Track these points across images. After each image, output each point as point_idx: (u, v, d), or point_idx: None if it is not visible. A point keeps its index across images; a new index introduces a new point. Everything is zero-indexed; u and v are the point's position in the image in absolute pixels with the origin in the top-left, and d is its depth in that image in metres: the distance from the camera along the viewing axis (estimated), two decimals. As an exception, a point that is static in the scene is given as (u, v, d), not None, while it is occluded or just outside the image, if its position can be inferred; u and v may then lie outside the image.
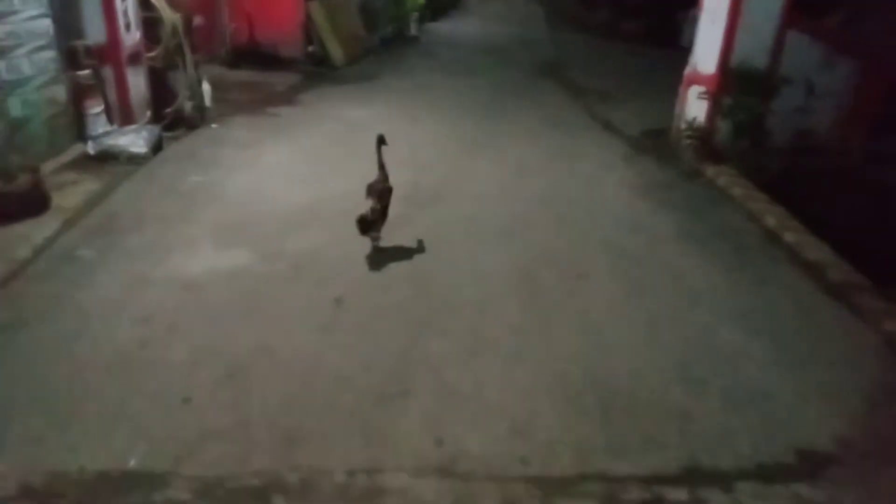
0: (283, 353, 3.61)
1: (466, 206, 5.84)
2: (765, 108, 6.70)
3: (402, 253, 4.84)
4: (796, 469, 3.03)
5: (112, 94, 6.73)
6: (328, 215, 5.42)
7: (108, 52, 6.61)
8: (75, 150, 6.22)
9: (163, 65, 7.46)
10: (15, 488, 2.66)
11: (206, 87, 8.07)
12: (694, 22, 7.88)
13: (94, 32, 6.51)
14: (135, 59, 7.03)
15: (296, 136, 7.62)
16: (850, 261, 4.92)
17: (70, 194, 5.34)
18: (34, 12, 5.77)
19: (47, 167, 5.66)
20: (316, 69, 11.31)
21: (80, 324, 3.75)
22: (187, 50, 7.61)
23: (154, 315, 3.88)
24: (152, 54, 7.39)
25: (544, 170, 6.94)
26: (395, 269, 4.65)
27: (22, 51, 5.64)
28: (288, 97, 9.54)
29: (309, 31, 11.62)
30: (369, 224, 4.56)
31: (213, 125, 7.82)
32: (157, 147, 6.65)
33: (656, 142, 7.95)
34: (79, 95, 6.33)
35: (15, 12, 5.55)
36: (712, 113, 7.01)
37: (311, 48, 11.68)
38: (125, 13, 6.78)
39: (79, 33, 6.42)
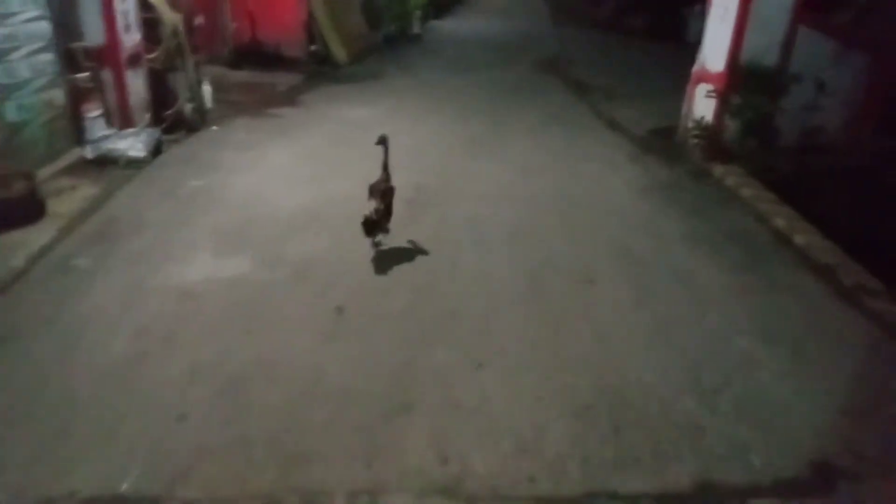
0: (282, 366, 3.52)
1: (470, 207, 5.74)
2: (774, 106, 6.58)
3: (404, 257, 4.74)
4: (812, 484, 2.93)
5: (111, 97, 6.66)
6: (330, 218, 5.33)
7: (108, 54, 6.53)
8: (73, 154, 6.15)
9: (163, 66, 7.37)
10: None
11: (206, 89, 8.00)
12: (699, 17, 7.76)
13: (93, 34, 6.44)
14: (134, 60, 6.94)
15: (297, 138, 7.53)
16: (862, 263, 4.81)
17: (67, 200, 5.26)
18: (32, 14, 5.70)
19: (44, 172, 5.60)
20: (319, 68, 11.23)
21: (74, 337, 3.67)
22: (188, 51, 7.53)
23: (150, 326, 3.79)
24: (152, 56, 7.29)
25: (549, 170, 6.83)
26: (398, 274, 4.56)
27: (19, 53, 5.56)
28: (290, 97, 9.46)
29: (311, 30, 11.54)
30: (374, 225, 4.51)
31: (214, 127, 7.74)
32: (156, 150, 6.58)
33: (663, 141, 7.82)
34: (77, 98, 6.26)
35: (13, 14, 5.48)
36: (720, 111, 6.88)
37: (313, 47, 11.60)
38: (125, 14, 6.70)
39: (77, 35, 6.36)
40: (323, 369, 3.51)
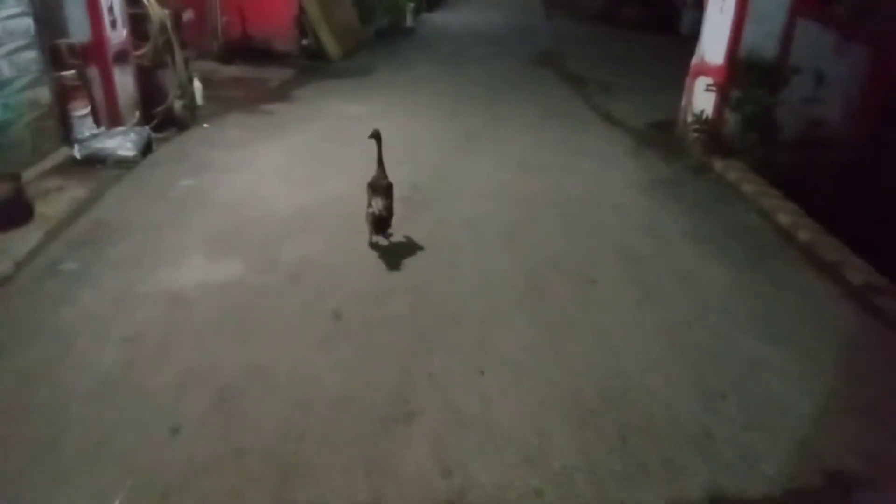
0: (278, 375, 3.41)
1: (468, 205, 5.63)
2: (774, 99, 6.48)
3: (402, 258, 4.63)
4: (826, 493, 2.85)
5: (98, 95, 6.47)
6: (325, 219, 5.21)
7: (94, 51, 6.34)
8: (60, 154, 5.97)
9: (151, 63, 7.19)
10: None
11: (197, 85, 7.84)
12: (693, 8, 7.64)
13: (79, 30, 6.24)
14: (122, 57, 6.76)
15: (290, 135, 7.39)
16: (866, 258, 4.72)
17: (54, 202, 5.11)
18: (14, 10, 5.52)
19: (31, 173, 5.44)
20: (311, 63, 11.06)
21: (62, 346, 3.54)
22: (177, 47, 7.36)
23: (141, 334, 3.67)
24: (140, 52, 7.12)
25: (547, 166, 6.72)
26: (396, 276, 4.45)
27: (1, 51, 5.39)
28: (282, 93, 9.30)
29: (303, 25, 11.35)
30: (383, 222, 4.47)
31: (205, 125, 7.58)
32: (146, 149, 6.42)
33: (661, 135, 7.73)
34: (63, 97, 6.07)
35: (-7, 11, 5.32)
36: (720, 105, 6.78)
37: (305, 42, 11.41)
38: (110, 9, 6.50)
39: (62, 32, 6.16)
40: (320, 377, 3.40)
